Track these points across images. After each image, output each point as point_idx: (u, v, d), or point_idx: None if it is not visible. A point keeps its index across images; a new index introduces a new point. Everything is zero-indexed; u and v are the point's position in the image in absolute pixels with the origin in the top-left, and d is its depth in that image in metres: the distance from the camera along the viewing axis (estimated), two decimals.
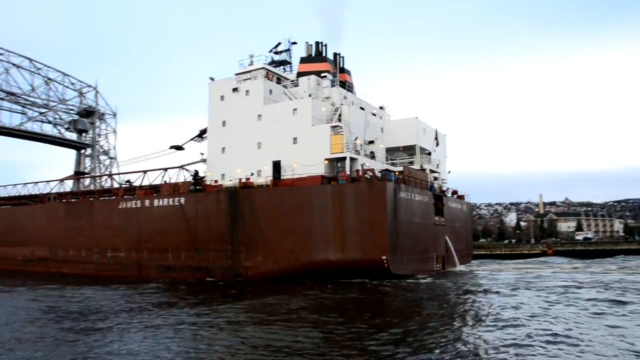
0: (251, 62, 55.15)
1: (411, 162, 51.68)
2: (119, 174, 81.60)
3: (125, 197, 55.08)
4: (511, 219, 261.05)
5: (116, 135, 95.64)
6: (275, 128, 47.70)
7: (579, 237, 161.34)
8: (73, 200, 62.75)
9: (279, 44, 61.24)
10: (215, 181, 50.17)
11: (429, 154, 53.07)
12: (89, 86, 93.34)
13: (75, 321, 24.30)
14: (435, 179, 53.49)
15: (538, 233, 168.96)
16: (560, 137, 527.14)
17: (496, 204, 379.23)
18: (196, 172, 54.19)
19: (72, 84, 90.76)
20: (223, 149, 51.30)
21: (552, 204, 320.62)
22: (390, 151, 53.44)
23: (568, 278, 41.79)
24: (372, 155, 49.20)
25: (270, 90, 50.61)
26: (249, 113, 49.74)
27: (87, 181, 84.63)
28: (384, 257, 39.62)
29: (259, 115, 49.25)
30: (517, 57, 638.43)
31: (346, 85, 54.38)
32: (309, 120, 46.18)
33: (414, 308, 27.81)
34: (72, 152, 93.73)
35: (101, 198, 60.61)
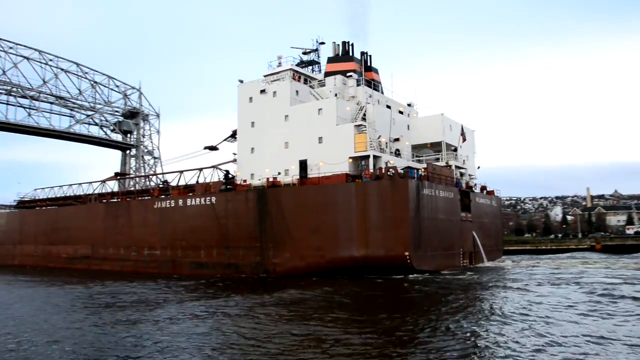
0: (279, 63, 56.92)
1: (437, 159, 52.37)
2: (155, 174, 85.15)
3: (161, 197, 57.77)
4: (556, 213, 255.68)
5: (159, 135, 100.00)
6: (302, 128, 49.31)
7: (630, 231, 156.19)
8: (112, 200, 66.07)
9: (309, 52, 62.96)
10: (244, 180, 52.18)
11: (455, 150, 53.57)
12: (133, 88, 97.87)
13: (128, 310, 27.16)
14: (462, 175, 53.95)
15: (586, 227, 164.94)
16: (608, 128, 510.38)
17: (541, 197, 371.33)
18: (227, 172, 56.40)
19: (117, 86, 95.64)
20: (252, 149, 53.28)
21: (601, 197, 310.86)
22: (417, 148, 54.27)
23: (598, 274, 41.79)
24: (397, 153, 50.15)
25: (297, 91, 52.20)
26: (276, 114, 51.52)
27: (131, 181, 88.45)
28: (406, 253, 40.62)
29: (286, 116, 50.95)
30: (559, 47, 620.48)
31: (372, 84, 55.36)
32: (333, 119, 47.55)
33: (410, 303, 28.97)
34: (118, 153, 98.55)
35: (138, 198, 63.64)
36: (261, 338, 19.35)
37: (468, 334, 19.13)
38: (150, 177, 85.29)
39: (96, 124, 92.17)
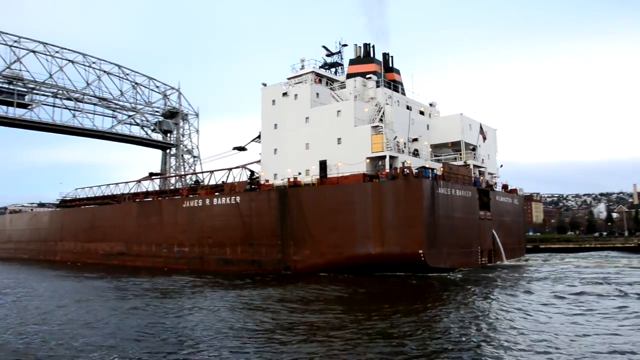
0: (302, 66, 59.04)
1: (455, 158, 53.56)
2: (186, 174, 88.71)
3: (189, 196, 60.86)
4: (600, 210, 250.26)
5: (198, 134, 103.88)
6: (321, 129, 51.38)
7: None
8: (145, 200, 69.71)
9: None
10: (267, 180, 54.63)
11: (474, 149, 54.61)
12: (172, 88, 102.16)
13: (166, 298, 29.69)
14: (481, 173, 54.94)
15: (633, 225, 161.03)
16: None
17: (584, 194, 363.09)
18: (252, 172, 58.99)
19: (157, 87, 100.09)
20: (275, 150, 55.69)
21: None
22: (438, 148, 55.56)
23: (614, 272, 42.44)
24: (415, 153, 51.61)
25: (317, 94, 54.27)
26: (297, 116, 53.75)
27: (172, 180, 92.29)
28: (420, 251, 42.18)
29: (307, 118, 53.12)
30: (600, 37, 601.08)
31: (391, 85, 56.86)
32: (351, 121, 49.43)
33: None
34: (159, 152, 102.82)
35: (168, 197, 67.02)
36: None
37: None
38: (183, 176, 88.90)
39: (137, 124, 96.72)
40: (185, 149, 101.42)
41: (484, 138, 54.04)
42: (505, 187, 59.18)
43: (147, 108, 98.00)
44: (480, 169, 55.30)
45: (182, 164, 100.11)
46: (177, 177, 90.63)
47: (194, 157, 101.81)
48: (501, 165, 61.78)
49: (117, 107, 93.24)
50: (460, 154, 53.60)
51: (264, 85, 58.09)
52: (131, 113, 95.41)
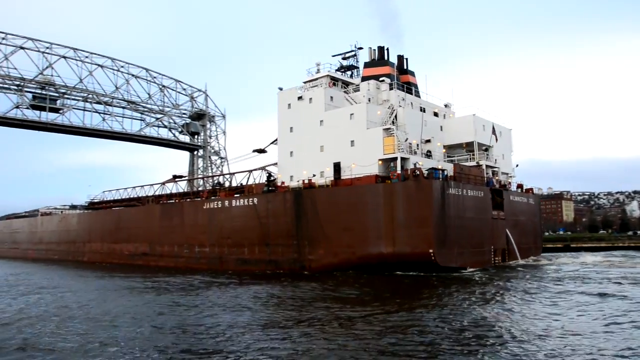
0: (318, 70, 60.90)
1: (468, 159, 54.57)
2: (208, 176, 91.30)
3: (210, 198, 63.18)
4: (633, 208, 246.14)
5: (225, 135, 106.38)
6: (335, 132, 53.05)
7: None
8: (168, 202, 72.39)
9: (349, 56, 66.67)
10: (282, 182, 56.53)
11: (486, 149, 55.53)
12: (199, 90, 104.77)
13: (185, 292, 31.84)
14: (494, 173, 55.80)
15: None
16: None
17: (617, 192, 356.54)
18: (269, 174, 60.97)
19: (184, 89, 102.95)
20: (291, 152, 57.57)
21: None
22: (452, 148, 56.62)
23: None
24: (428, 154, 52.84)
25: (331, 97, 55.94)
26: (312, 119, 55.51)
27: (202, 182, 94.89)
28: (431, 251, 43.49)
29: (321, 121, 54.83)
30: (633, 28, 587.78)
31: (403, 87, 58.17)
32: (363, 123, 50.94)
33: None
34: (186, 154, 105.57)
35: (190, 199, 69.53)
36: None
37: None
38: (205, 179, 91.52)
39: (165, 126, 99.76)
40: (213, 151, 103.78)
41: (496, 138, 54.88)
42: (520, 186, 59.87)
43: (174, 110, 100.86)
44: (494, 169, 56.17)
45: (209, 165, 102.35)
46: (200, 180, 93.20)
47: (221, 158, 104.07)
48: (517, 165, 62.59)
49: (145, 109, 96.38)
50: (473, 155, 54.59)
51: (280, 89, 60.01)
52: (159, 115, 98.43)
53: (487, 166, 54.40)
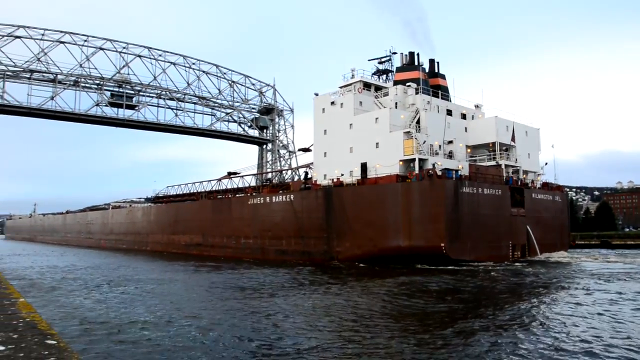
0: (352, 75, 66.82)
1: (490, 158, 58.91)
2: (261, 173, 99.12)
3: (253, 194, 70.78)
4: None
5: (294, 129, 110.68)
6: (362, 135, 59.02)
7: None
8: (218, 197, 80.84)
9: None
10: (315, 181, 63.15)
11: (507, 149, 59.60)
12: (268, 85, 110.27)
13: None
14: (515, 172, 59.72)
15: None
16: None
17: None
18: (306, 173, 67.67)
19: (253, 84, 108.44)
20: (325, 153, 64.07)
21: None
22: (477, 149, 61.09)
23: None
24: (449, 155, 57.69)
25: (360, 102, 61.90)
26: (343, 122, 61.73)
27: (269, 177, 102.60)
28: (442, 244, 48.72)
29: (350, 124, 60.94)
30: None
31: (430, 91, 63.07)
32: (387, 127, 56.60)
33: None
34: (255, 148, 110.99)
35: (240, 195, 77.53)
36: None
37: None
38: (258, 175, 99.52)
39: (235, 121, 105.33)
40: (281, 144, 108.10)
41: (513, 139, 58.84)
42: (545, 185, 63.29)
43: (243, 105, 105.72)
44: (515, 168, 60.09)
45: (277, 158, 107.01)
46: (253, 177, 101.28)
47: (290, 152, 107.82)
48: (546, 163, 65.92)
49: (216, 105, 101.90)
50: (493, 155, 58.88)
51: (316, 94, 66.50)
52: (229, 110, 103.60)
53: (507, 165, 58.51)
